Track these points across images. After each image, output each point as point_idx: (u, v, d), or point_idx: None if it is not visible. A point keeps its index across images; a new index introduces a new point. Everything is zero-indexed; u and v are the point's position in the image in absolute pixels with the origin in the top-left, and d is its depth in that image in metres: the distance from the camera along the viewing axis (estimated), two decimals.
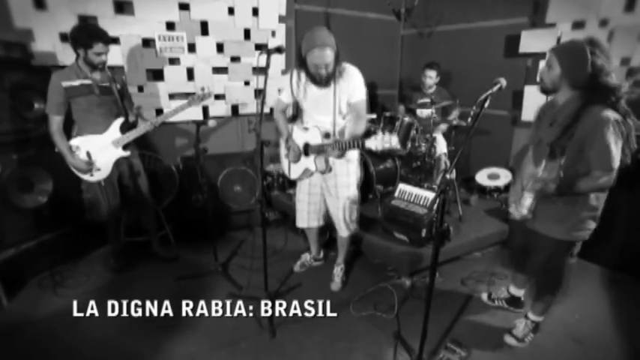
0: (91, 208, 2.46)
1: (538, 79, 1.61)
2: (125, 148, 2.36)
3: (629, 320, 2.15)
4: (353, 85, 2.00)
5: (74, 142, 2.28)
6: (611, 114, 1.43)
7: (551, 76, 1.54)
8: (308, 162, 2.16)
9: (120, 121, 2.34)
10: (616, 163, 1.44)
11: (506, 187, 2.89)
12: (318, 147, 2.07)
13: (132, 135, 2.34)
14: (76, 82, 2.19)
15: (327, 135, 2.07)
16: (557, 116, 1.57)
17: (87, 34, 2.12)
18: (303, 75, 2.03)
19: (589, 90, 1.48)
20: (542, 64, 1.49)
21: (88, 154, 2.29)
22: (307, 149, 2.15)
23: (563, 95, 1.58)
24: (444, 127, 3.43)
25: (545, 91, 1.61)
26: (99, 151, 2.31)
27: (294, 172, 2.25)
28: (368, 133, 1.93)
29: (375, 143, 1.75)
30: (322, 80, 1.95)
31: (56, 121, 2.21)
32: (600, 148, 1.43)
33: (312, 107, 2.10)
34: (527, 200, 1.58)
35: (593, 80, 1.45)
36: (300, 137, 2.18)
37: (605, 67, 1.43)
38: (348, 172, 2.20)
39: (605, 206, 1.66)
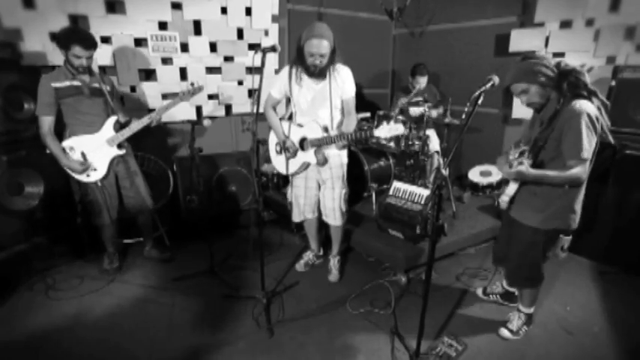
0: (94, 211, 2.42)
1: (526, 106, 1.72)
2: (120, 146, 2.35)
3: (617, 310, 2.21)
4: (345, 81, 2.12)
5: (67, 143, 2.26)
6: (586, 108, 1.51)
7: (535, 96, 1.63)
8: (307, 156, 2.21)
9: (113, 119, 2.33)
10: (586, 153, 1.51)
11: (499, 184, 2.95)
12: (319, 140, 2.11)
13: (126, 133, 2.32)
14: (65, 83, 2.17)
15: (325, 129, 2.13)
16: (544, 117, 1.69)
17: (66, 36, 2.10)
18: (300, 70, 2.08)
19: (566, 87, 1.59)
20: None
21: (83, 155, 2.27)
22: (303, 144, 2.20)
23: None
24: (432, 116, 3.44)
25: (541, 108, 1.70)
26: (93, 150, 2.29)
27: (291, 167, 2.29)
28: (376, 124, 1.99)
29: (383, 132, 1.83)
30: (316, 71, 2.02)
31: (47, 122, 2.19)
32: (573, 137, 1.51)
33: (309, 102, 2.16)
34: (510, 188, 1.71)
35: (562, 77, 1.57)
36: (294, 133, 2.23)
37: (549, 65, 1.55)
38: (341, 163, 2.29)
39: (594, 201, 1.71)
